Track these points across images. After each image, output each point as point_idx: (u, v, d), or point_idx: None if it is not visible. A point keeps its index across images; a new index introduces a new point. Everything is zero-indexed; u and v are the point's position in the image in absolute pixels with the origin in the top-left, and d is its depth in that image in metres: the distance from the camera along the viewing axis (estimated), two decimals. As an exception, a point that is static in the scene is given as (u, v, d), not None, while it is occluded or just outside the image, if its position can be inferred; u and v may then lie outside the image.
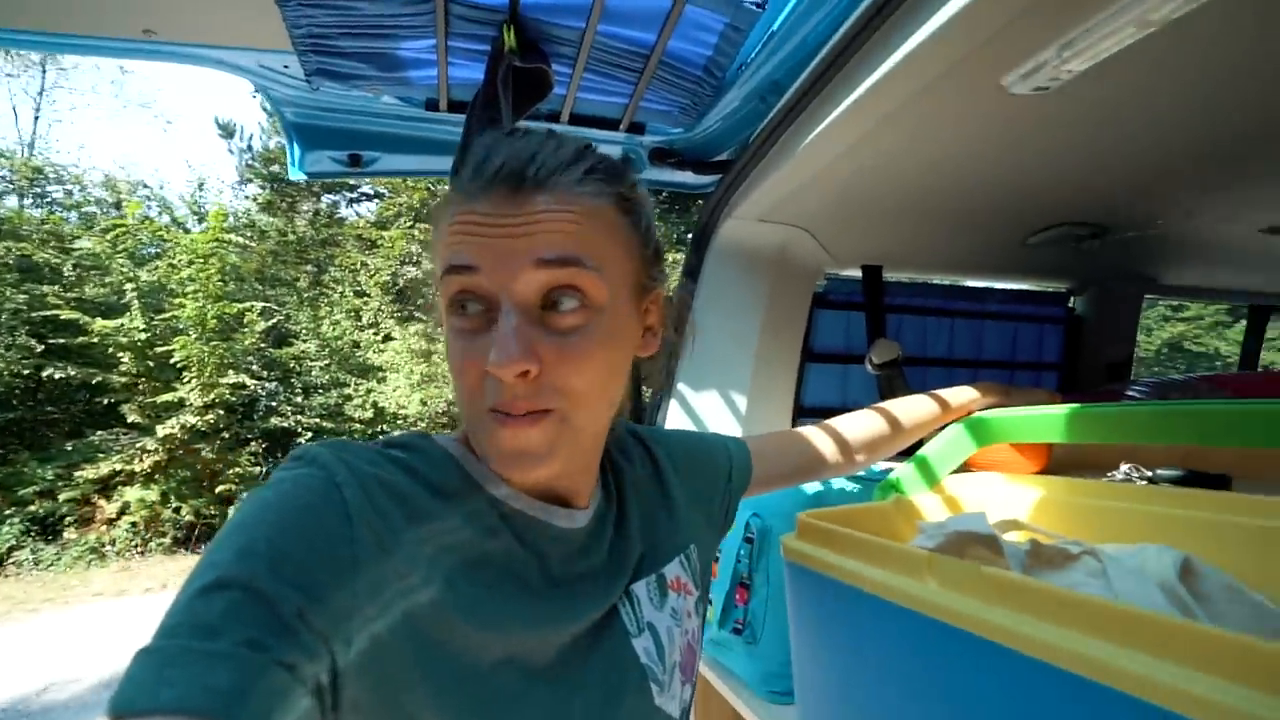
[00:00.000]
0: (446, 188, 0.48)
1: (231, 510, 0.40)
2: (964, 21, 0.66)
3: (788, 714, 0.85)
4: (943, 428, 0.78)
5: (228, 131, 11.30)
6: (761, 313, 1.34)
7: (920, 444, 1.35)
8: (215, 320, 6.92)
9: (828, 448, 0.74)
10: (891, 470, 0.73)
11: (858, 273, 1.50)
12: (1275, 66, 0.76)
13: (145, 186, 10.19)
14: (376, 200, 10.88)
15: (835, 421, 0.78)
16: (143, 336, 6.65)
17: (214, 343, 6.85)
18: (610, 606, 0.49)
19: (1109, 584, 0.47)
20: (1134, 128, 0.93)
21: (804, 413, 1.52)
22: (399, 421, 7.89)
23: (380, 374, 8.40)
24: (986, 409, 0.95)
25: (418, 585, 0.38)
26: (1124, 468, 0.77)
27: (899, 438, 0.80)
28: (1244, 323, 2.12)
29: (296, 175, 1.36)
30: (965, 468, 0.77)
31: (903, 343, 1.37)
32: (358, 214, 11.23)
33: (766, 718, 0.87)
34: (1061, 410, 0.62)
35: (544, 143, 0.44)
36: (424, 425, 7.91)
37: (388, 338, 8.74)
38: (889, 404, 0.84)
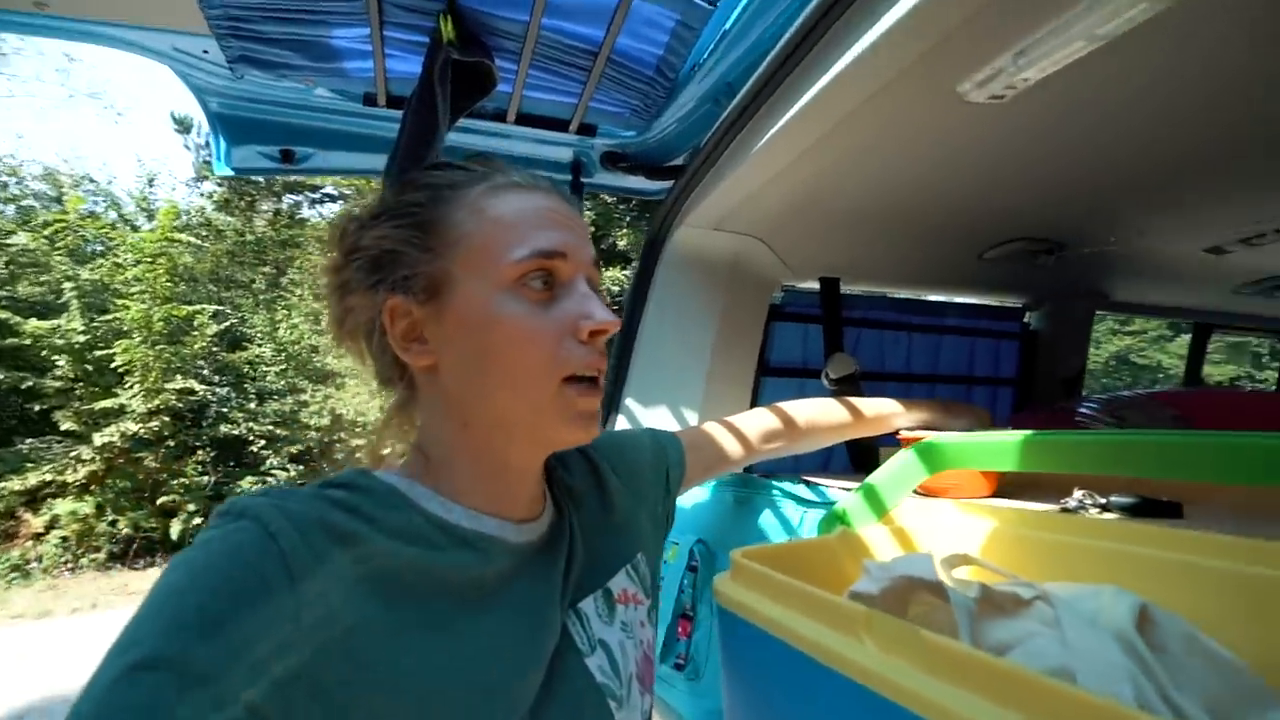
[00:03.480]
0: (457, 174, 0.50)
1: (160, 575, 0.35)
2: (917, 22, 0.63)
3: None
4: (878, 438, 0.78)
5: (184, 126, 10.90)
6: (715, 325, 1.30)
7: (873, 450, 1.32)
8: (163, 323, 6.60)
9: (738, 443, 0.78)
10: (838, 501, 0.69)
11: (815, 285, 1.46)
12: (1220, 88, 0.76)
13: (91, 181, 9.74)
14: (340, 201, 10.60)
15: (745, 418, 0.82)
16: (81, 339, 6.29)
17: (160, 346, 6.53)
18: (560, 626, 0.49)
19: (1063, 635, 0.42)
20: (1088, 143, 0.91)
21: (760, 428, 1.47)
22: (357, 429, 7.64)
23: (339, 380, 8.13)
24: (916, 426, 0.93)
25: (352, 607, 0.37)
26: (1078, 493, 0.74)
27: (805, 437, 0.86)
28: (1185, 337, 2.17)
29: (222, 171, 1.27)
30: (917, 490, 0.74)
31: (860, 357, 1.34)
32: (320, 215, 10.93)
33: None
34: (1015, 438, 0.58)
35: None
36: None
37: (347, 342, 8.48)
38: (801, 404, 0.87)
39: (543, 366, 0.45)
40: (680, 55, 1.03)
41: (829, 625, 0.40)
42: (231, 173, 1.27)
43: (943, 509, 0.67)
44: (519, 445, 0.48)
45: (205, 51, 1.04)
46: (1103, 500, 0.71)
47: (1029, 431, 0.58)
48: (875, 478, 0.66)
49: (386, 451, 0.54)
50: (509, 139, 1.26)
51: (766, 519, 0.90)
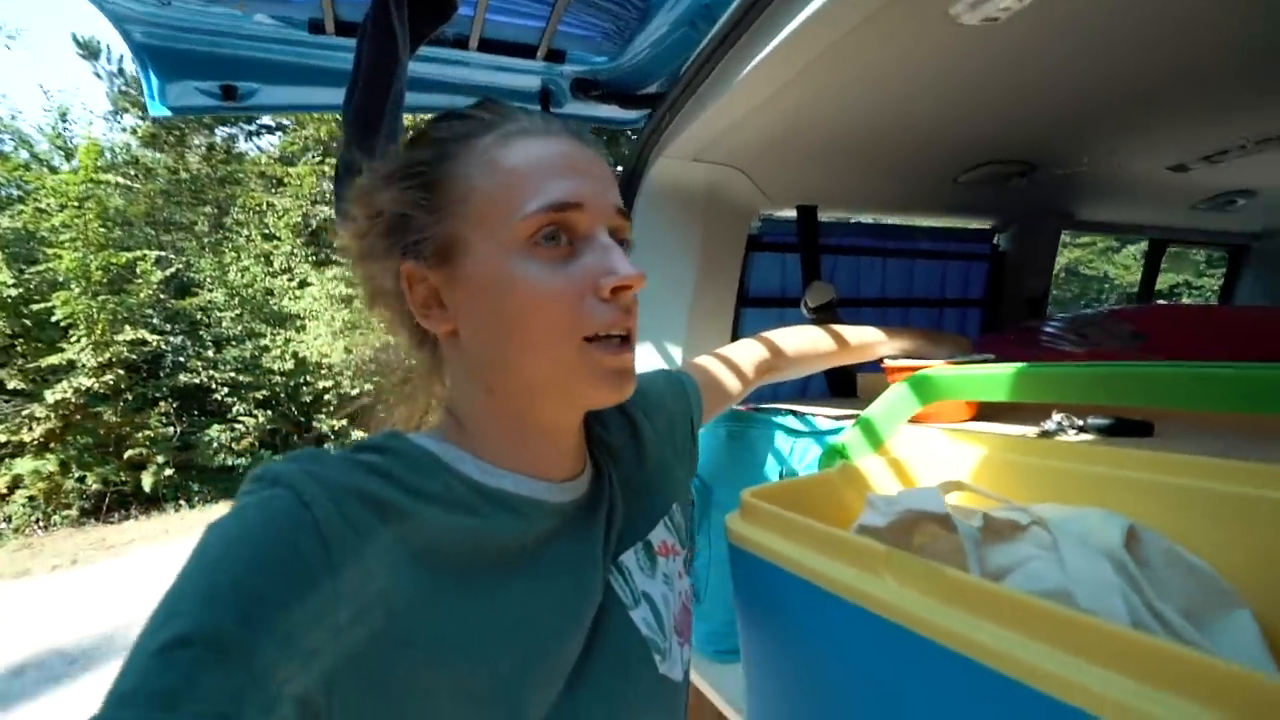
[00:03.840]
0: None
1: (193, 546, 0.34)
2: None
3: (733, 672, 0.85)
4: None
5: (91, 51, 9.87)
6: (695, 256, 1.28)
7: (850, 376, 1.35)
8: (101, 271, 6.23)
9: (734, 376, 0.79)
10: (837, 433, 0.71)
11: (791, 213, 1.45)
12: (1195, 11, 0.75)
13: (-7, 116, 8.88)
14: (279, 133, 9.90)
15: (735, 350, 0.82)
16: (13, 293, 5.93)
17: (103, 296, 6.19)
18: (603, 583, 0.48)
19: (1060, 558, 0.46)
20: (1070, 65, 0.90)
21: (741, 360, 1.49)
22: (322, 371, 7.50)
23: (299, 322, 7.88)
24: (899, 355, 0.97)
25: (401, 589, 0.36)
26: (1056, 416, 0.78)
27: (793, 365, 0.87)
28: (1130, 248, 2.24)
29: (158, 111, 1.16)
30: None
31: (837, 284, 1.35)
32: (259, 149, 10.21)
33: (713, 676, 0.87)
34: (1004, 370, 0.60)
35: None
36: (349, 375, 7.55)
37: (304, 283, 8.15)
38: (787, 333, 0.88)
39: (562, 328, 0.42)
40: (655, -28, 0.97)
41: (848, 563, 0.42)
42: (168, 113, 1.17)
43: (933, 437, 0.70)
44: (549, 408, 0.46)
45: (123, -29, 0.93)
46: (1080, 422, 0.76)
47: (1018, 364, 0.60)
48: (871, 411, 0.68)
49: (418, 417, 0.54)
50: (471, 67, 1.18)
51: (758, 451, 0.93)
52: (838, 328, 0.94)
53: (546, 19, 1.05)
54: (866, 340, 0.95)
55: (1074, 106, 1.05)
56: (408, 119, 0.99)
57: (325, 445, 7.62)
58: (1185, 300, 11.72)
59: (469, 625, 0.38)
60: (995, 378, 0.61)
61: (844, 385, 1.44)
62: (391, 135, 0.96)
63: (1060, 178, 1.46)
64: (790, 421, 0.96)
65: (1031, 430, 0.80)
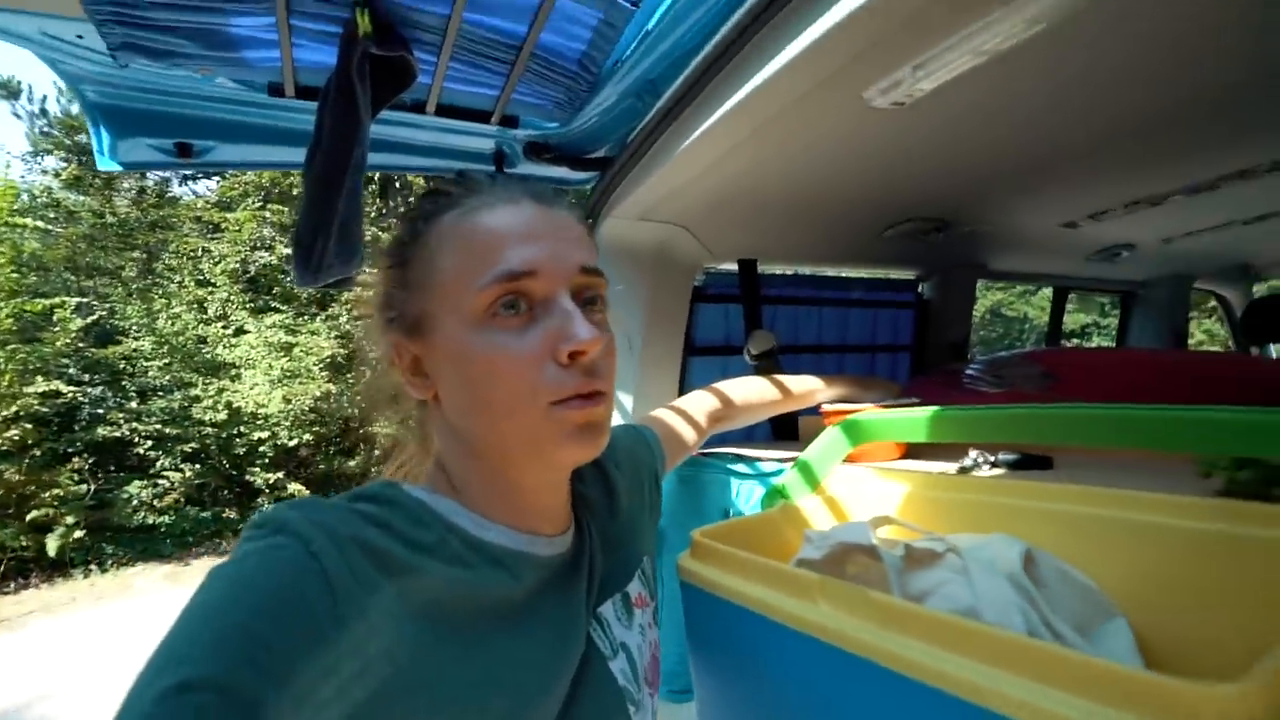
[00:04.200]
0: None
1: (195, 590, 0.34)
2: (830, 41, 0.69)
3: (686, 712, 0.88)
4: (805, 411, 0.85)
5: (10, 91, 9.49)
6: (644, 309, 1.35)
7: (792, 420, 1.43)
8: (12, 320, 5.84)
9: (690, 427, 0.83)
10: (779, 474, 0.77)
11: (733, 266, 1.55)
12: (1077, 93, 0.89)
13: (-101, 156, 8.33)
14: (217, 178, 9.65)
15: (689, 401, 0.87)
16: (-89, 343, 5.49)
17: (12, 346, 5.79)
18: (585, 635, 0.50)
19: (970, 581, 0.52)
20: (970, 138, 1.03)
21: (688, 406, 1.56)
22: (258, 421, 7.16)
23: (234, 370, 7.54)
24: (836, 400, 1.05)
25: (405, 642, 0.37)
26: (972, 453, 0.86)
27: (741, 413, 0.92)
28: (1046, 291, 2.45)
29: (108, 165, 1.16)
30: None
31: (777, 332, 1.44)
32: (194, 193, 9.91)
33: (665, 716, 0.89)
34: (925, 413, 0.67)
35: None
36: (288, 424, 7.23)
37: (240, 331, 7.84)
38: (735, 384, 0.94)
39: (523, 395, 0.43)
40: (603, 51, 1.05)
41: (787, 593, 0.47)
42: (119, 167, 1.17)
43: (865, 476, 0.77)
44: (528, 468, 0.47)
45: (80, 36, 0.95)
46: (992, 458, 0.84)
47: (936, 408, 0.67)
48: (808, 454, 0.74)
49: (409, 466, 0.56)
50: (428, 130, 1.24)
51: (708, 494, 0.98)
52: (780, 377, 1.02)
53: (501, 88, 1.12)
54: (806, 388, 1.03)
55: (976, 172, 1.19)
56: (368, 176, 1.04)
57: (259, 500, 7.15)
58: (1095, 339, 12.71)
59: (464, 675, 0.39)
60: (916, 420, 0.68)
61: (786, 429, 1.52)
62: (353, 194, 1.00)
63: (971, 233, 1.62)
64: (739, 466, 1.02)
65: (952, 466, 0.88)
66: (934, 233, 1.57)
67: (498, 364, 0.43)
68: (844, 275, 1.93)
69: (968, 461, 0.86)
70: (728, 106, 0.86)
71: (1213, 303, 2.78)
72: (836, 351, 1.77)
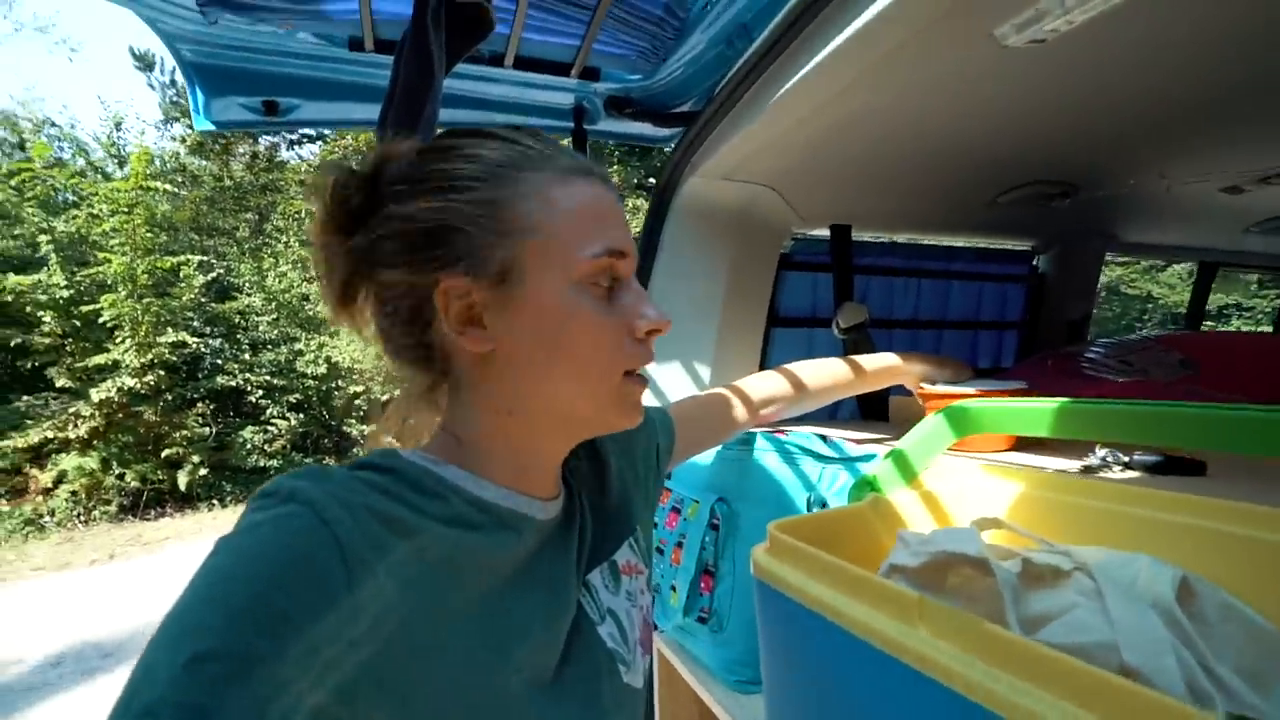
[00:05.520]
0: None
1: (204, 560, 0.34)
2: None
3: (753, 703, 0.83)
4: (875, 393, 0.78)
5: (146, 63, 10.32)
6: (726, 276, 1.27)
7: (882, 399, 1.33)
8: (147, 275, 6.45)
9: (742, 408, 0.79)
10: (869, 462, 0.69)
11: (824, 232, 1.43)
12: (1247, 31, 0.73)
13: (53, 125, 9.32)
14: (320, 142, 10.19)
15: (748, 382, 0.82)
16: (65, 294, 6.17)
17: (148, 299, 6.41)
18: (575, 599, 0.51)
19: (1105, 607, 0.43)
20: (1117, 87, 0.87)
21: (769, 380, 1.47)
22: (354, 376, 7.64)
23: (333, 327, 8.07)
24: (918, 378, 0.95)
25: (418, 603, 0.38)
26: (1100, 451, 0.74)
27: (811, 397, 0.86)
28: (1175, 267, 2.16)
29: (203, 125, 1.20)
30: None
31: (869, 304, 1.32)
32: (299, 157, 10.53)
33: (732, 706, 0.85)
34: (1045, 405, 0.58)
35: None
36: (380, 380, 7.66)
37: (338, 290, 8.34)
38: (805, 366, 0.88)
39: (610, 361, 0.46)
40: (691, -8, 0.97)
41: (879, 609, 0.40)
42: (212, 127, 1.20)
43: (969, 470, 0.68)
44: (565, 433, 0.49)
45: (175, -7, 0.96)
46: (1126, 458, 0.72)
47: (1060, 399, 0.57)
48: (904, 443, 0.66)
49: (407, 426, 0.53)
50: (505, 84, 1.20)
51: (785, 476, 0.91)
52: (855, 357, 0.93)
53: (582, 37, 1.06)
54: (883, 366, 0.95)
55: (1121, 128, 1.02)
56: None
57: (355, 450, 7.71)
58: (1235, 323, 11.26)
59: (470, 634, 0.40)
60: (1035, 412, 0.58)
61: (875, 408, 1.41)
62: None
63: (1105, 199, 1.42)
64: (818, 446, 0.94)
65: (1074, 464, 0.77)
66: (1059, 198, 1.38)
67: (593, 327, 0.45)
68: (947, 245, 1.76)
69: (1094, 460, 0.74)
70: (832, 47, 0.76)
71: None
72: (935, 328, 1.62)
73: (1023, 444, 0.88)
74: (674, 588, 0.94)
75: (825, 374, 0.89)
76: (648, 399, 0.73)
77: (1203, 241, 1.85)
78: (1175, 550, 0.50)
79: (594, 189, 0.47)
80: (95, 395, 6.07)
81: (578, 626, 0.50)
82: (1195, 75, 0.85)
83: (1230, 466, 0.69)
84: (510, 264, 0.44)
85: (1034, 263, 1.74)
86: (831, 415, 1.46)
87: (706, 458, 1.00)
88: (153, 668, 0.29)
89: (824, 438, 0.98)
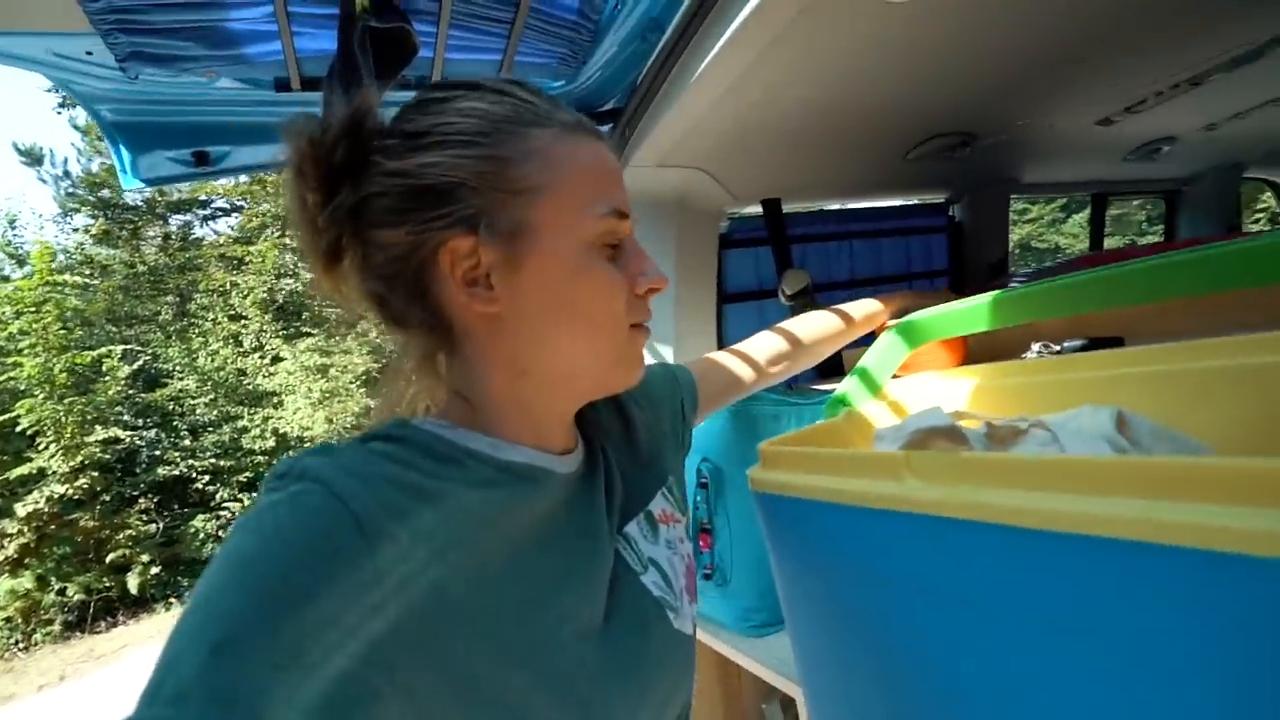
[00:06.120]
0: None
1: (222, 545, 0.34)
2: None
3: (767, 644, 0.87)
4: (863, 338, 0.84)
5: (34, 158, 9.81)
6: (672, 259, 1.33)
7: (837, 357, 1.40)
8: (66, 374, 6.09)
9: (747, 366, 0.82)
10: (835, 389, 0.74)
11: (758, 210, 1.51)
12: None
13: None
14: (236, 214, 9.88)
15: (750, 343, 0.85)
16: (-26, 406, 5.77)
17: (69, 399, 6.05)
18: (613, 550, 0.51)
19: (1062, 449, 0.49)
20: (992, 30, 0.98)
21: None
22: (305, 443, 7.37)
23: (275, 399, 7.76)
24: (894, 316, 1.01)
25: (450, 569, 0.37)
26: (1035, 347, 0.82)
27: (809, 351, 0.90)
28: (1075, 217, 2.34)
29: (132, 184, 1.18)
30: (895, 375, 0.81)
31: (809, 270, 1.41)
32: (215, 232, 10.17)
33: (749, 650, 0.88)
34: (980, 301, 0.64)
35: None
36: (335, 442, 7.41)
37: (276, 359, 8.06)
38: (798, 321, 0.91)
39: (617, 317, 0.47)
40: (601, -6, 1.03)
41: (871, 476, 0.45)
42: (142, 185, 1.19)
43: (925, 380, 0.74)
44: (575, 392, 0.50)
45: (89, 53, 0.96)
46: (1056, 347, 0.80)
47: (993, 293, 0.64)
48: (865, 360, 0.72)
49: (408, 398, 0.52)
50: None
51: (762, 427, 0.96)
52: (839, 306, 0.97)
53: (502, 51, 1.11)
54: (870, 311, 0.98)
55: (1002, 72, 1.13)
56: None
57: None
58: (1134, 260, 12.19)
59: (506, 590, 0.40)
60: (974, 309, 0.65)
61: (832, 368, 1.49)
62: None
63: (1001, 144, 1.55)
64: (790, 397, 1.00)
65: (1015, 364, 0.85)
66: (960, 148, 1.50)
67: (602, 285, 0.46)
68: (871, 207, 1.87)
69: (1030, 356, 0.82)
70: (734, 25, 0.83)
71: (1266, 195, 2.63)
72: (871, 284, 1.73)
73: (967, 361, 0.95)
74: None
75: (818, 326, 0.92)
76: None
77: (1090, 175, 2.04)
78: (1108, 398, 0.57)
79: (596, 147, 0.47)
80: (21, 509, 5.65)
81: (621, 577, 0.50)
82: (1055, 16, 0.96)
83: (1142, 337, 0.78)
84: (520, 224, 0.43)
85: (950, 213, 1.88)
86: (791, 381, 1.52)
87: (686, 426, 1.04)
88: (180, 655, 0.29)
89: (790, 390, 1.03)
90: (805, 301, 1.38)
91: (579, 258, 0.45)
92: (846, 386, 0.71)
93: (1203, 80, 1.33)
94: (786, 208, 1.52)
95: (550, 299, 0.45)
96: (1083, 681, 0.34)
